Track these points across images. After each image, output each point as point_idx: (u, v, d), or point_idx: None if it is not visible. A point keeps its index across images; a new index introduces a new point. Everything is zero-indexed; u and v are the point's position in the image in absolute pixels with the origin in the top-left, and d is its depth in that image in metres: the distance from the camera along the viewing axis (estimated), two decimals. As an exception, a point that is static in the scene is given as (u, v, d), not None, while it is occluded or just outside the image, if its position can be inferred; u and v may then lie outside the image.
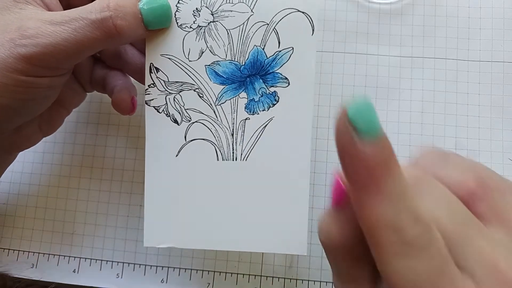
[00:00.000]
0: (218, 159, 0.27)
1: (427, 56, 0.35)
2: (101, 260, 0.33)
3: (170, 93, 0.27)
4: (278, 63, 0.27)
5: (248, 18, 0.27)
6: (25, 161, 0.35)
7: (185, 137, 0.27)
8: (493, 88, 0.34)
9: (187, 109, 0.27)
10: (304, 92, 0.27)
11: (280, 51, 0.27)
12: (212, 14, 0.27)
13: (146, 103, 0.28)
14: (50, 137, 0.35)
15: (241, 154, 0.27)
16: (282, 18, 0.27)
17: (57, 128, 0.32)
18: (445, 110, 0.34)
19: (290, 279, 0.32)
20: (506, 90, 0.34)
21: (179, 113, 0.27)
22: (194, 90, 0.27)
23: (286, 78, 0.27)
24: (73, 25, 0.24)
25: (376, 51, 0.35)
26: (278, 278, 0.32)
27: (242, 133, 0.27)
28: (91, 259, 0.34)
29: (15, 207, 0.35)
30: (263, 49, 0.27)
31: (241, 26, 0.27)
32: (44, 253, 0.34)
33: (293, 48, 0.27)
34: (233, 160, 0.27)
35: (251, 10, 0.27)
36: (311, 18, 0.27)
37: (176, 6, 0.27)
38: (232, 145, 0.27)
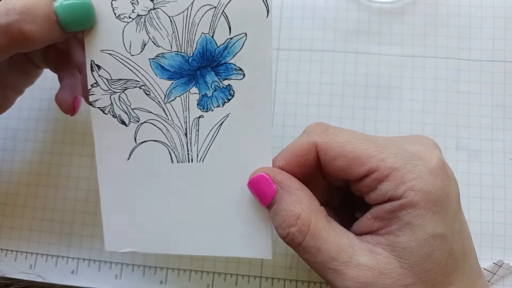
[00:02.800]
0: (172, 161, 0.25)
1: (428, 55, 0.34)
2: (100, 261, 0.33)
3: (114, 92, 0.25)
4: (230, 52, 0.24)
5: (193, 2, 0.24)
6: (24, 161, 0.35)
7: (135, 139, 0.25)
8: (495, 88, 0.34)
9: (134, 108, 0.25)
10: (262, 84, 0.24)
11: (231, 38, 0.24)
12: (152, 1, 0.24)
13: (91, 104, 0.25)
14: (48, 137, 0.35)
15: (197, 155, 0.25)
16: None
17: (7, 109, 0.31)
18: (446, 109, 0.33)
19: (291, 280, 0.32)
20: (507, 89, 0.34)
21: (126, 113, 0.25)
22: (140, 88, 0.25)
23: (240, 69, 0.24)
24: None
25: (377, 50, 0.35)
26: (278, 279, 0.32)
27: (197, 133, 0.25)
28: (89, 260, 0.33)
29: (14, 208, 0.35)
30: (212, 37, 0.24)
31: (185, 12, 0.24)
32: (42, 254, 0.34)
33: (246, 34, 0.24)
34: (189, 161, 0.25)
35: None
36: None
37: None
38: (187, 146, 0.25)
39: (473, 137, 0.33)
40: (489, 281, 0.30)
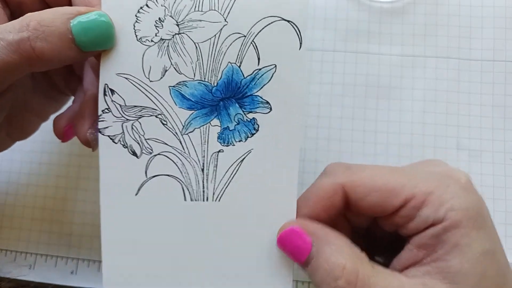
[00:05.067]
0: (185, 199, 0.23)
1: (428, 55, 0.34)
2: (100, 261, 0.33)
3: (127, 119, 0.23)
4: (257, 84, 0.23)
5: (221, 28, 0.23)
6: (23, 161, 0.35)
7: (145, 172, 0.23)
8: (495, 88, 0.34)
9: (147, 139, 0.23)
10: (290, 120, 0.23)
11: (260, 69, 0.23)
12: (178, 25, 0.23)
13: (100, 132, 0.23)
14: (48, 137, 0.35)
15: (213, 194, 0.23)
16: (263, 28, 0.23)
17: (31, 134, 0.30)
18: (446, 109, 0.33)
19: (291, 280, 0.32)
20: (508, 89, 0.33)
21: (139, 143, 0.23)
22: (156, 116, 0.23)
23: (267, 103, 0.23)
24: None
25: (378, 50, 0.35)
26: (278, 279, 0.32)
27: (215, 168, 0.23)
28: (89, 260, 0.33)
29: (13, 208, 0.35)
30: (239, 66, 0.23)
31: (213, 39, 0.23)
32: (42, 254, 0.34)
33: (276, 66, 0.23)
34: (203, 200, 0.23)
35: (225, 19, 0.23)
36: (298, 29, 0.23)
37: (136, 16, 0.23)
38: (203, 182, 0.23)
39: (474, 137, 0.33)
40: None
